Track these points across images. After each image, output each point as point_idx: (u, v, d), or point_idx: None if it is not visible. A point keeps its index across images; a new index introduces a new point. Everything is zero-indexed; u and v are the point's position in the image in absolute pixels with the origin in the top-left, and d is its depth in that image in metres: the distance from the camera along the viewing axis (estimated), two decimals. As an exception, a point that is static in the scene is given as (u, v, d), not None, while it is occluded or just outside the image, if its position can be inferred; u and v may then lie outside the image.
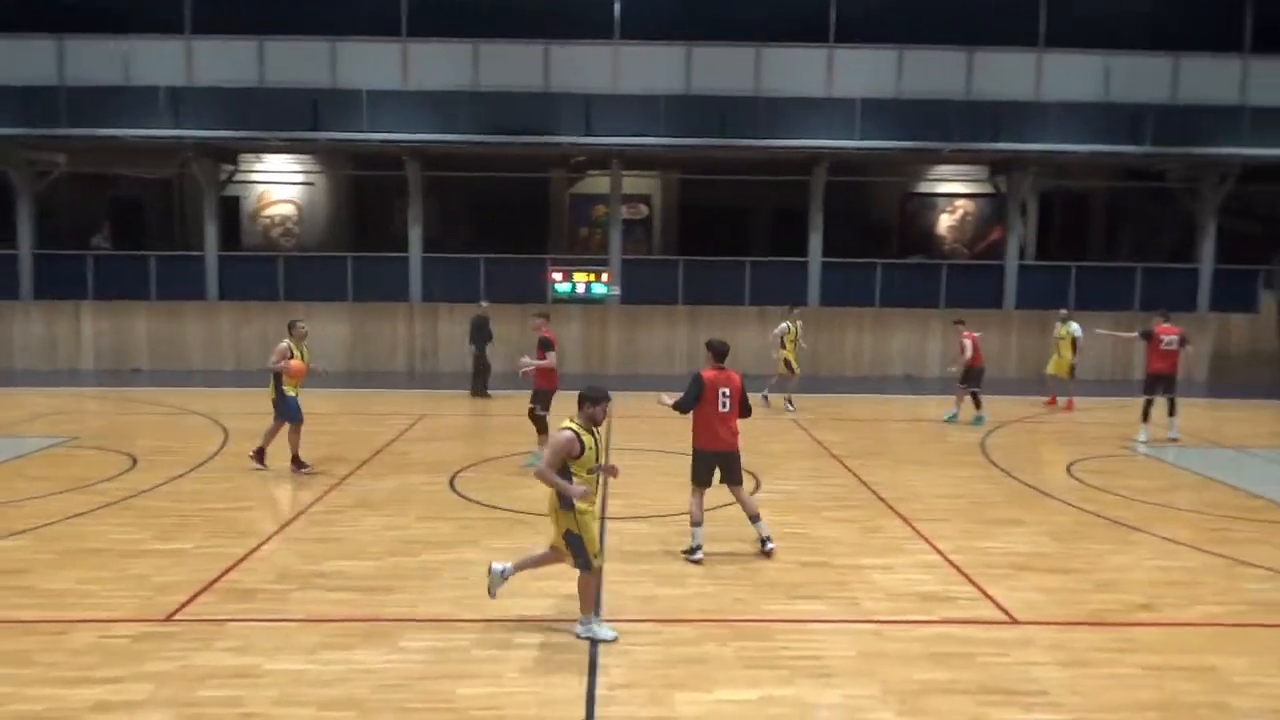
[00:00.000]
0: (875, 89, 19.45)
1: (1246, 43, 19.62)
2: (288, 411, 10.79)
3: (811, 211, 20.75)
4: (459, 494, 10.00)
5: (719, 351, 7.95)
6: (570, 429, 6.13)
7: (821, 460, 12.05)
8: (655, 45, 19.49)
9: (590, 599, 6.23)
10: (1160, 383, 13.66)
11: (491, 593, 6.38)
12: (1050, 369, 17.07)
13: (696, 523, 7.88)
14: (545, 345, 11.05)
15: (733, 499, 8.13)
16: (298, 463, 10.79)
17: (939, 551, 8.18)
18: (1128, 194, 25.30)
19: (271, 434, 10.98)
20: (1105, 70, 19.74)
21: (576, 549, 6.12)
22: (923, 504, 9.81)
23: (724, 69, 19.43)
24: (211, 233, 20.60)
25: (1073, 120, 19.46)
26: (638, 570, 7.57)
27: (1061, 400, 16.87)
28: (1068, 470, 11.54)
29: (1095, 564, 7.86)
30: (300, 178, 23.94)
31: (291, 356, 10.63)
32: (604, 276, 20.74)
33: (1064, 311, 17.19)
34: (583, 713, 5.22)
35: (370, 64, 19.30)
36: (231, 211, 23.13)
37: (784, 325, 16.01)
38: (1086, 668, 5.86)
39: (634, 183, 23.70)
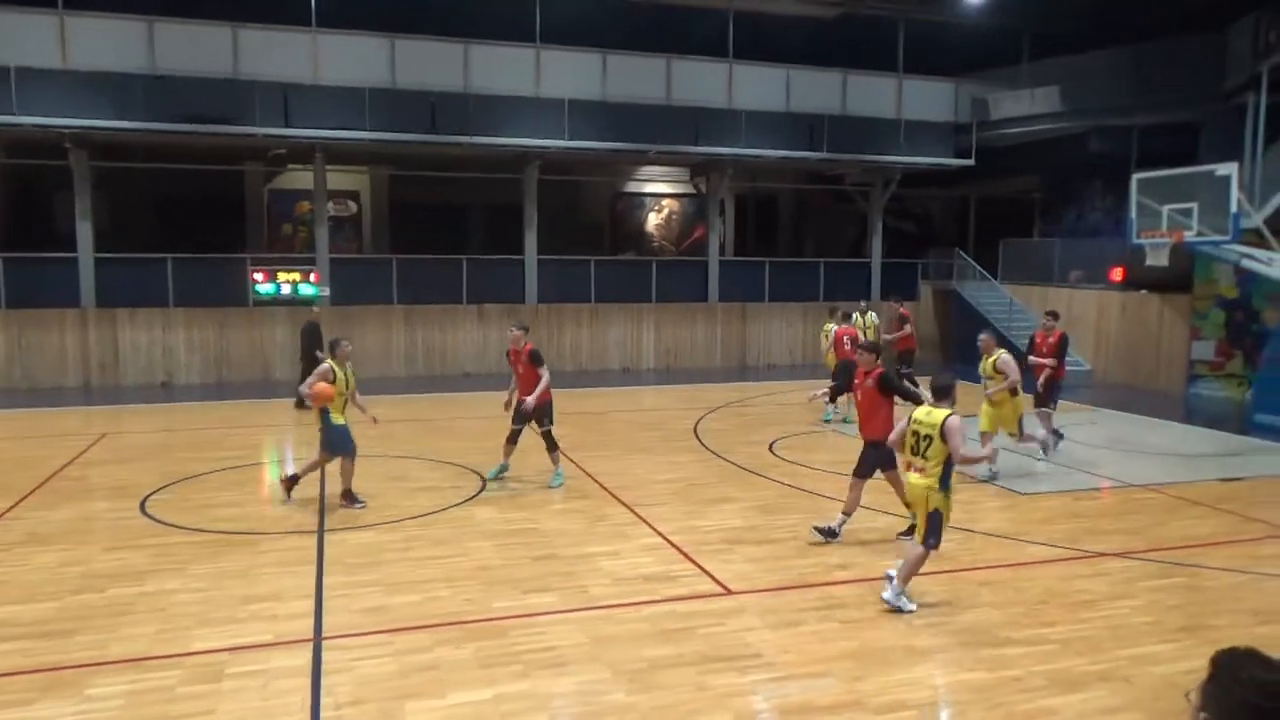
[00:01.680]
0: (582, 91, 19.90)
1: (900, 65, 22.32)
2: (333, 442, 9.35)
3: (526, 209, 20.91)
4: (153, 518, 9.03)
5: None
6: (958, 414, 6.70)
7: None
8: (357, 35, 18.65)
9: (913, 575, 6.75)
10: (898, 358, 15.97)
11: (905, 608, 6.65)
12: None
13: (849, 513, 8.31)
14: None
15: (454, 500, 7.99)
16: (349, 497, 9.37)
17: (660, 534, 8.56)
18: (812, 196, 27.96)
19: (313, 465, 9.60)
20: (787, 82, 21.62)
21: (936, 527, 6.67)
22: (644, 490, 10.22)
23: (431, 64, 19.01)
24: None
25: (761, 126, 21.13)
26: (364, 581, 7.23)
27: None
28: (770, 449, 12.53)
29: (797, 532, 8.58)
30: (-68, 166, 20.51)
31: (334, 380, 9.25)
32: (312, 276, 19.61)
33: (863, 304, 18.22)
34: (309, 738, 4.92)
35: (20, 38, 16.78)
36: None
37: (830, 327, 14.98)
38: (794, 627, 6.39)
39: (341, 178, 22.64)
